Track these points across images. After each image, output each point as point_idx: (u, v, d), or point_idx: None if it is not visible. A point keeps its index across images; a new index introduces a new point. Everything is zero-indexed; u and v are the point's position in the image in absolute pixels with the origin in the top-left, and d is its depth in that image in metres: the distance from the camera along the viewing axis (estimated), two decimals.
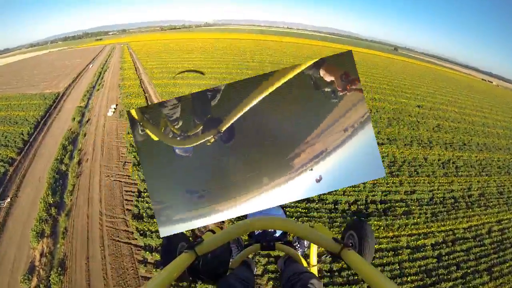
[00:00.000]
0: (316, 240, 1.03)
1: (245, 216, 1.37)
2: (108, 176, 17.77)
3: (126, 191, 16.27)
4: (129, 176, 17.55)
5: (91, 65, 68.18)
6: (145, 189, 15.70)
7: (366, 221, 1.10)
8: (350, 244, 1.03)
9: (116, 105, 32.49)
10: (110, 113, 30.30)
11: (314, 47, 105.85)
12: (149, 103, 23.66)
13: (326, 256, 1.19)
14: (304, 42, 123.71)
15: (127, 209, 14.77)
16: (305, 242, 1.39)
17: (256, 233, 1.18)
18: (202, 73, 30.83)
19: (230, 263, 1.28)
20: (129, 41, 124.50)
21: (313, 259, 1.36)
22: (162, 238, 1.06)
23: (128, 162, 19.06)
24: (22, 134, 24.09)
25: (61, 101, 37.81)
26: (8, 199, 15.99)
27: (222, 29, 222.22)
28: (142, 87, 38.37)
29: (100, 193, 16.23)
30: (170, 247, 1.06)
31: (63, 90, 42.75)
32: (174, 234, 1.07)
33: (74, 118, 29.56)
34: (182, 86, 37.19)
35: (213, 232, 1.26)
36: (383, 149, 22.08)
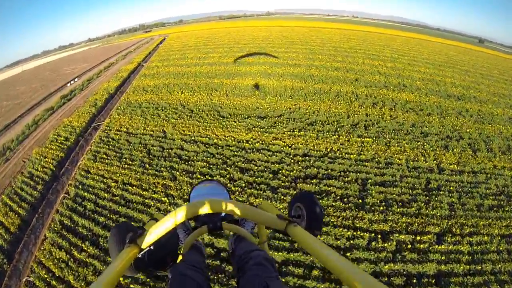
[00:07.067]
0: (259, 219, 1.02)
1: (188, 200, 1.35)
2: None
3: None
4: None
5: (71, 83, 31.76)
6: None
7: (313, 193, 1.13)
8: (296, 219, 1.02)
9: None
10: None
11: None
12: None
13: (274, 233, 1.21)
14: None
15: None
16: None
17: (202, 215, 1.12)
18: (275, 56, 23.10)
19: (180, 250, 1.23)
20: (173, 32, 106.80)
21: (263, 235, 1.35)
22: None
23: None
24: None
25: None
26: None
27: (283, 18, 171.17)
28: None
29: None
30: (117, 238, 0.94)
31: None
32: (123, 224, 1.00)
33: None
34: None
35: (156, 220, 1.17)
36: None
